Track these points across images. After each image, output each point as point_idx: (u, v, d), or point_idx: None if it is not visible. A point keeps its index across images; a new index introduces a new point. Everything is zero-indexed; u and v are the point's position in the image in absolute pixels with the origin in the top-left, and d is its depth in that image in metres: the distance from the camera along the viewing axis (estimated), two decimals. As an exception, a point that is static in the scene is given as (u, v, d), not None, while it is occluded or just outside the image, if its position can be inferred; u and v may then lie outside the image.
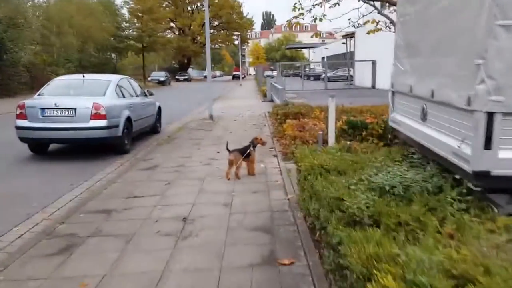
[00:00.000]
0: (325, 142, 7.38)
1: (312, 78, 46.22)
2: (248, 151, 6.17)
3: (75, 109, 8.03)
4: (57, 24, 36.03)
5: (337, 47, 51.00)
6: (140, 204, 5.23)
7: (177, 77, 60.50)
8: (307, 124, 8.49)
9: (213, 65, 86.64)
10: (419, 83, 3.65)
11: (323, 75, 44.26)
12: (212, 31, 62.65)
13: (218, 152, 8.24)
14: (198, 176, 6.47)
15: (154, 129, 11.44)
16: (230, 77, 77.04)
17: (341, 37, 46.55)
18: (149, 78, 50.03)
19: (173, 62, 71.87)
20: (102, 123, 8.07)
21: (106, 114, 8.12)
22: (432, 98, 3.33)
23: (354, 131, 7.45)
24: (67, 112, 8.04)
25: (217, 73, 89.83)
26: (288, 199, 5.10)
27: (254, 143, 6.31)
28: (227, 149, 6.15)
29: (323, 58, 61.79)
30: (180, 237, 4.13)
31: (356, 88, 33.16)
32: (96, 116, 8.06)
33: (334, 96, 5.95)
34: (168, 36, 63.34)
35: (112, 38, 46.40)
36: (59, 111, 8.04)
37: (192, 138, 10.28)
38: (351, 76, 39.21)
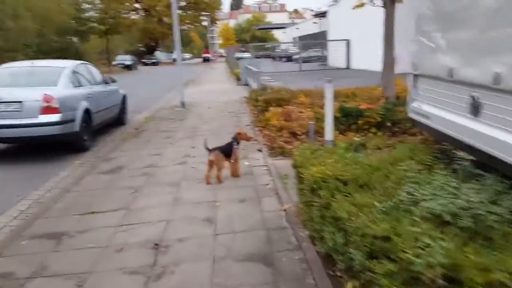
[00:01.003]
0: (317, 133, 6.46)
1: (284, 59, 45.04)
2: (231, 149, 5.16)
3: (21, 102, 6.78)
4: (12, 6, 33.37)
5: (308, 27, 50.00)
6: (99, 224, 4.16)
7: (143, 60, 58.16)
8: (293, 112, 7.53)
9: (182, 48, 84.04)
10: (468, 64, 2.75)
11: (295, 56, 43.18)
12: (179, 11, 60.33)
13: (193, 148, 7.18)
14: (172, 180, 5.43)
15: (119, 120, 10.22)
16: (200, 59, 74.99)
17: (312, 16, 45.57)
18: (114, 63, 47.70)
19: (140, 45, 69.10)
20: (55, 117, 6.86)
21: (59, 106, 6.91)
22: (495, 85, 2.42)
23: (348, 119, 6.55)
24: (12, 106, 6.78)
25: (186, 55, 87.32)
26: (285, 210, 4.15)
27: (237, 139, 5.30)
28: (206, 148, 5.12)
29: (294, 38, 60.73)
30: (152, 276, 3.12)
31: (331, 68, 32.36)
32: (47, 109, 6.84)
33: (332, 81, 4.99)
34: (133, 17, 60.54)
35: (73, 21, 43.73)
36: (2, 105, 6.78)
37: (162, 130, 9.16)
38: (324, 56, 38.35)
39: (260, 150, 6.63)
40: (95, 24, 47.36)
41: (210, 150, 5.11)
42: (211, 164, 5.10)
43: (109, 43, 49.57)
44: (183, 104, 12.79)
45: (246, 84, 20.05)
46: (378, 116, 6.22)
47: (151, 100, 15.13)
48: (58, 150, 7.40)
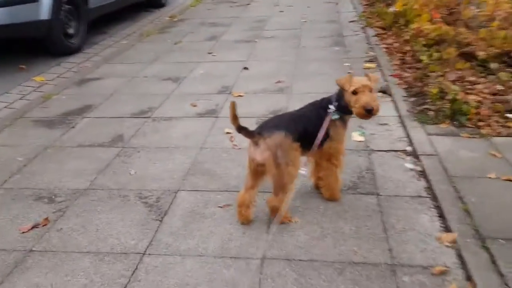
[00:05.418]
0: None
1: None
2: (320, 126, 1.59)
3: None
4: None
5: None
6: None
7: None
8: (461, 5, 3.51)
9: None
10: None
11: None
12: None
13: (246, 68, 3.66)
14: (167, 181, 2.09)
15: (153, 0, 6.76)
16: None
17: None
18: None
19: None
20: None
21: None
22: None
23: None
24: None
25: None
26: None
27: (342, 99, 1.66)
28: (240, 127, 1.57)
29: None
30: None
31: None
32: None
33: None
34: None
35: None
36: None
37: (209, 22, 5.58)
38: None
39: (386, 93, 2.93)
40: None
41: (252, 135, 1.59)
42: (256, 172, 1.62)
43: None
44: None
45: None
46: None
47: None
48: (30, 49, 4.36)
